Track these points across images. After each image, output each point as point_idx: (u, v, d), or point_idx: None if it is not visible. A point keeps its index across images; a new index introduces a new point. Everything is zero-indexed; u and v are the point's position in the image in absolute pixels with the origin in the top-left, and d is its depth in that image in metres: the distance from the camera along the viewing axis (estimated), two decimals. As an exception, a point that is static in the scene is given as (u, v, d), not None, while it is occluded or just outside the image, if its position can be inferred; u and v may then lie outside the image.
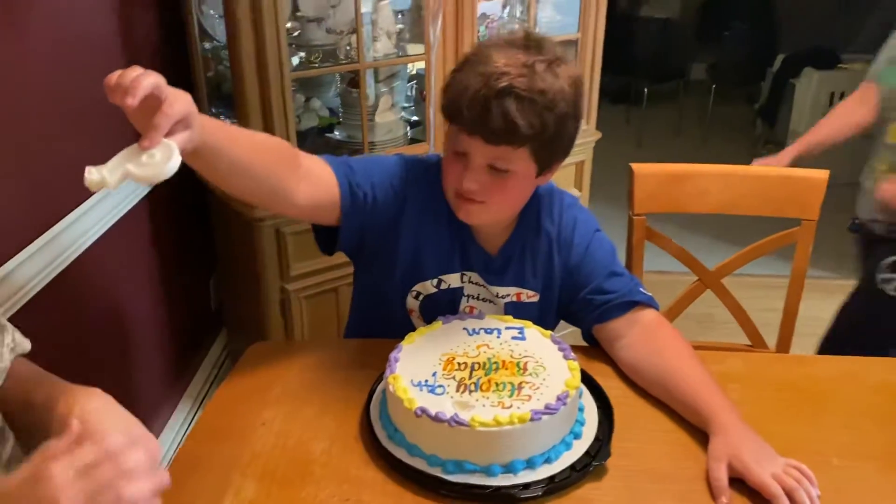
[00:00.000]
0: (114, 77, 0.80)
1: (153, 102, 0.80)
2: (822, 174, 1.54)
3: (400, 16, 2.27)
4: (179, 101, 0.83)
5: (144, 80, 0.79)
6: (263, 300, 2.11)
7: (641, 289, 1.21)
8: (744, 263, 1.61)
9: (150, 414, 2.04)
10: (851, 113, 1.91)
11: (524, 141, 1.06)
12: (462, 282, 1.25)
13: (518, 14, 2.55)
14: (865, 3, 4.98)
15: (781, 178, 1.58)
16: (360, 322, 1.39)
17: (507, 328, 1.14)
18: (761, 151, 4.63)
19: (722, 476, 0.94)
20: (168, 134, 0.82)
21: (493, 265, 1.23)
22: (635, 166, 1.59)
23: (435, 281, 1.24)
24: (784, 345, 1.64)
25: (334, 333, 2.17)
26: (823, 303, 2.98)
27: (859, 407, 1.12)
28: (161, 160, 0.81)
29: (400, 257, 1.22)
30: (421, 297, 1.26)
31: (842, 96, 4.37)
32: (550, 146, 1.09)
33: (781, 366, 1.25)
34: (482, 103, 1.03)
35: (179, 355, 2.27)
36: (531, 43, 1.07)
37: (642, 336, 1.16)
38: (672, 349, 1.13)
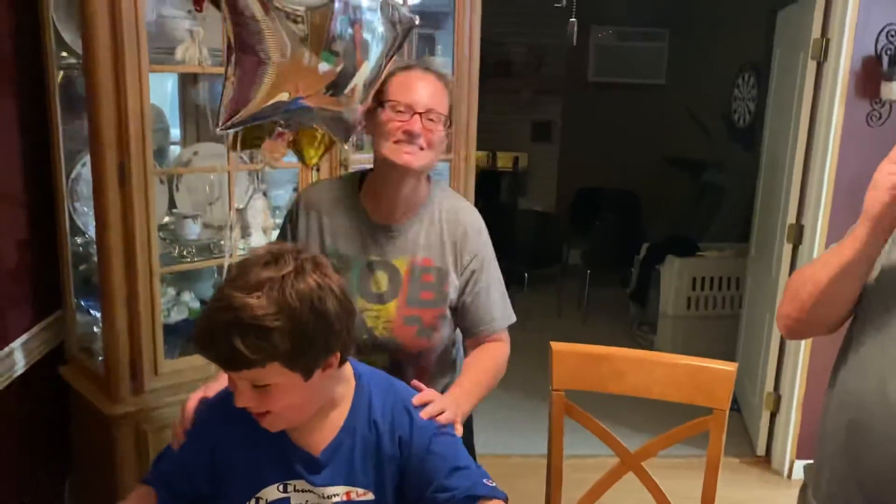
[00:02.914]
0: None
1: None
2: (731, 367, 1.55)
3: (276, 211, 2.37)
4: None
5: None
6: (121, 505, 1.96)
7: (486, 480, 1.20)
8: (660, 448, 1.62)
9: None
10: None
11: (263, 362, 1.05)
12: (284, 492, 1.20)
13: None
14: (716, 197, 5.59)
15: (691, 369, 1.59)
16: None
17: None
18: (636, 332, 4.91)
19: None
20: None
21: (315, 465, 1.20)
22: (554, 345, 1.64)
23: (252, 502, 1.20)
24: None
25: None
26: (743, 483, 2.99)
27: None
28: None
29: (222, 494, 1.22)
30: None
31: (703, 281, 4.76)
32: (298, 355, 1.08)
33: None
34: (210, 339, 1.06)
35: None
36: (271, 259, 1.08)
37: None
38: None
